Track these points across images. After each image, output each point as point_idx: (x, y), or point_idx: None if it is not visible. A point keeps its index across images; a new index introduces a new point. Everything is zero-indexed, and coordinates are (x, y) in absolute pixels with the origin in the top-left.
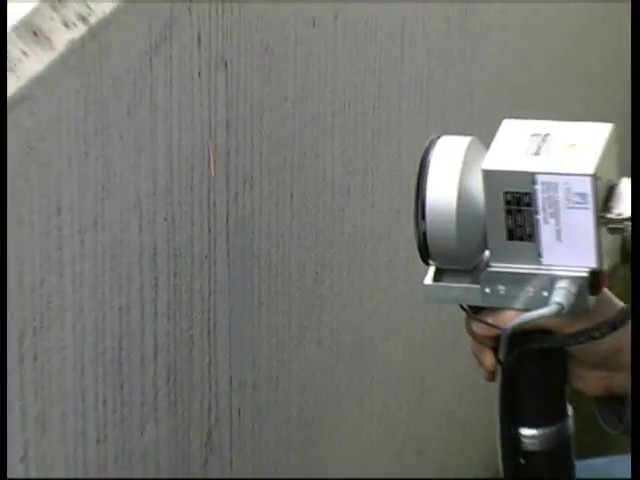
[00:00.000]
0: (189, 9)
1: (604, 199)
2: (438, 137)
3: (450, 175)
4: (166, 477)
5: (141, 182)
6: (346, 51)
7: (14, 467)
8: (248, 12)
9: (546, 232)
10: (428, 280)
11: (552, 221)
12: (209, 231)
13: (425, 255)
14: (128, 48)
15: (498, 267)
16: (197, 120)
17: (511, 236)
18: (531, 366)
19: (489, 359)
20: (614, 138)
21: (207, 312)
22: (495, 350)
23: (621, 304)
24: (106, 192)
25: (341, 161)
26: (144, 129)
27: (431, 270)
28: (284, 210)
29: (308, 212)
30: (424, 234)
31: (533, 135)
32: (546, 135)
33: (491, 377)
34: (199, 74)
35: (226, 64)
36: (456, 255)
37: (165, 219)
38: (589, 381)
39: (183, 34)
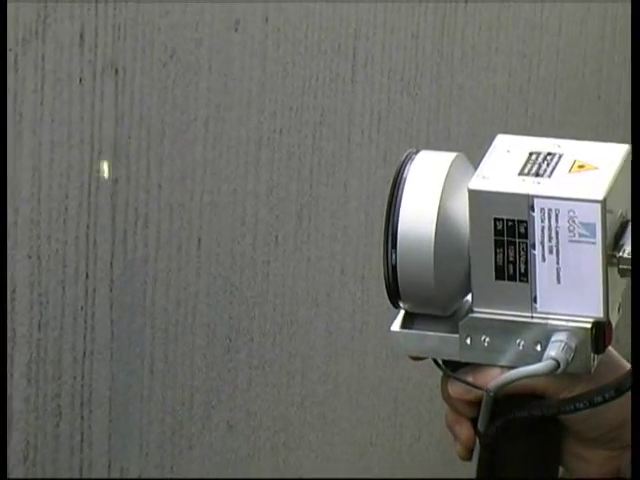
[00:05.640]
0: None
1: (615, 235)
2: (417, 151)
3: (429, 196)
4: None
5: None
6: (279, 64)
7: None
8: (148, 8)
9: (543, 271)
10: (396, 326)
11: (551, 258)
12: (87, 276)
13: (394, 295)
14: None
15: (482, 313)
16: (75, 137)
17: (500, 275)
18: (517, 440)
19: (466, 431)
20: (629, 162)
21: (81, 377)
22: (474, 421)
23: (628, 365)
24: None
25: (267, 202)
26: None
27: (400, 315)
28: (188, 258)
29: (220, 262)
30: (394, 268)
31: (532, 153)
32: (548, 154)
33: (467, 454)
34: (80, 80)
35: (116, 70)
36: (432, 296)
37: (29, 257)
38: (592, 463)
39: (60, 29)
